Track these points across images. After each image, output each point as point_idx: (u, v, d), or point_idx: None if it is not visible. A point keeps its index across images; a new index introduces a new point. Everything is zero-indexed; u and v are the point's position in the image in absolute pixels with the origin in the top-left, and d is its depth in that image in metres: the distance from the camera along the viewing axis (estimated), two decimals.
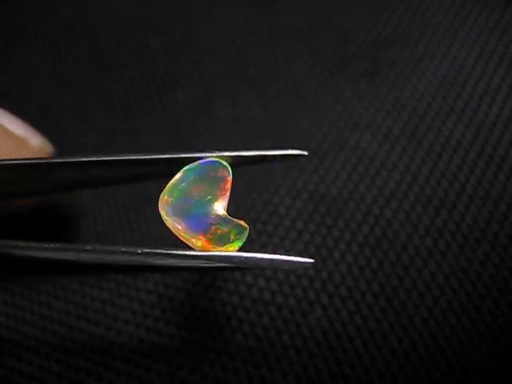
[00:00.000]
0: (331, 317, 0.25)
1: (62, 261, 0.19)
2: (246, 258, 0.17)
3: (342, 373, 0.23)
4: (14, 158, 0.21)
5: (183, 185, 0.19)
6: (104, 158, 0.21)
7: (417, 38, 0.34)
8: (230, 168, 0.20)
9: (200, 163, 0.20)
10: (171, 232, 0.19)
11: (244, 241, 0.19)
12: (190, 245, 0.19)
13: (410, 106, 0.30)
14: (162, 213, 0.19)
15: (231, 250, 0.19)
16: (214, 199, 0.19)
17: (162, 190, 0.19)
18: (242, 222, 0.19)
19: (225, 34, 0.38)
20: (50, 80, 0.38)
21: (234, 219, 0.19)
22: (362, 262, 0.26)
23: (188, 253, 0.17)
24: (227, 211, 0.19)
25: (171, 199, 0.19)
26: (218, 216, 0.19)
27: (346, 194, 0.28)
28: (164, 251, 0.17)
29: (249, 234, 0.27)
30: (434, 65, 0.32)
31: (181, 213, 0.19)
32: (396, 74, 0.32)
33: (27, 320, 0.27)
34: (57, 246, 0.18)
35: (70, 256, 0.18)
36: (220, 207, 0.19)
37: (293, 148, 0.21)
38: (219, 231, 0.18)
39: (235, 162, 0.20)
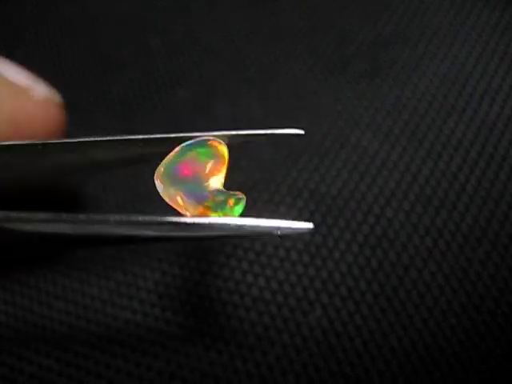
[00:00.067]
0: (331, 316, 0.25)
1: (55, 235, 0.18)
2: (244, 223, 0.17)
3: (341, 372, 0.23)
4: (12, 119, 0.21)
5: (179, 159, 0.19)
6: (101, 138, 0.20)
7: (417, 38, 0.34)
8: (226, 147, 0.20)
9: (197, 140, 0.20)
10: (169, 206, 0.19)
11: (243, 209, 0.19)
12: (187, 213, 0.19)
13: (410, 105, 0.30)
14: (157, 182, 0.19)
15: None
16: (210, 175, 0.19)
17: None
18: (239, 192, 0.19)
19: (225, 34, 0.38)
20: (49, 80, 0.38)
21: (230, 191, 0.19)
22: (362, 262, 0.26)
23: (183, 220, 0.17)
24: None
25: (168, 170, 0.19)
26: (214, 188, 0.19)
27: (347, 193, 0.28)
28: (162, 219, 0.17)
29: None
30: (434, 64, 0.32)
31: (177, 182, 0.19)
32: (396, 73, 0.32)
33: (27, 319, 0.27)
34: (49, 216, 0.17)
35: (63, 229, 0.18)
36: (216, 182, 0.19)
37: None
38: (216, 199, 0.19)
39: (233, 142, 0.20)
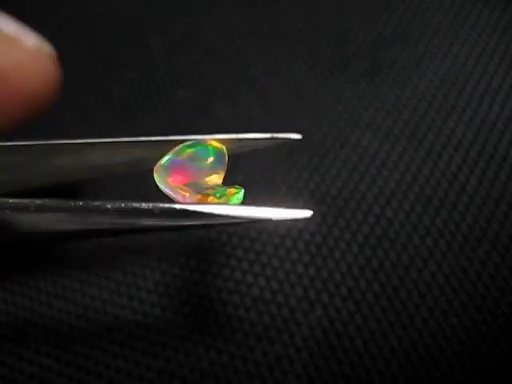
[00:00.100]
0: (332, 316, 0.25)
1: (54, 231, 0.18)
2: (243, 211, 0.17)
3: (342, 372, 0.23)
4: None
5: (179, 155, 0.19)
6: (100, 140, 0.20)
7: (417, 38, 0.34)
8: (226, 153, 0.20)
9: (197, 142, 0.20)
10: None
11: (242, 198, 0.19)
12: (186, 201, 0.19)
13: (410, 105, 0.30)
14: (156, 175, 0.19)
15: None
16: (210, 171, 0.19)
17: None
18: (238, 186, 0.19)
19: (225, 34, 0.38)
20: None
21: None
22: (362, 262, 0.26)
23: (178, 206, 0.17)
24: None
25: (167, 163, 0.19)
26: (213, 183, 0.19)
27: (347, 193, 0.28)
28: (162, 205, 0.17)
29: (249, 233, 0.27)
30: (434, 64, 0.32)
31: (175, 171, 0.19)
32: (396, 73, 0.32)
33: (27, 319, 0.27)
34: (46, 202, 0.17)
35: (61, 220, 0.18)
36: (215, 179, 0.19)
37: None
38: (215, 189, 0.19)
39: (232, 146, 0.20)
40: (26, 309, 0.27)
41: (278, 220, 0.17)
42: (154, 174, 0.19)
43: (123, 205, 0.17)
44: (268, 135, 0.21)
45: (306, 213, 0.17)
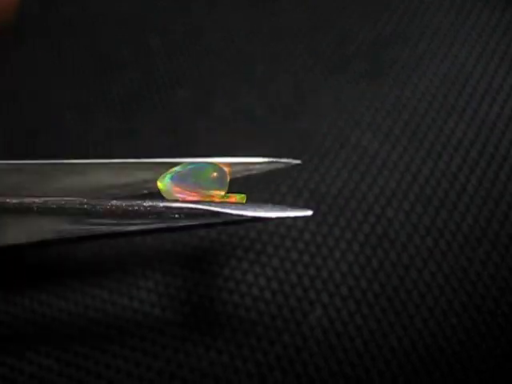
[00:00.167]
0: (332, 316, 0.25)
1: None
2: (243, 209, 0.17)
3: (342, 372, 0.23)
4: None
5: (183, 169, 0.19)
6: (104, 161, 0.20)
7: (417, 38, 0.34)
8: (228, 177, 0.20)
9: (200, 161, 0.20)
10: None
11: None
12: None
13: (410, 105, 0.30)
14: (159, 183, 0.19)
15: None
16: (213, 184, 0.19)
17: None
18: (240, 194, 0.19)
19: (225, 34, 0.38)
20: (49, 80, 0.38)
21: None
22: (362, 262, 0.26)
23: (180, 205, 0.17)
24: None
25: (170, 175, 0.19)
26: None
27: (347, 192, 0.28)
28: (166, 204, 0.17)
29: (249, 233, 0.27)
30: (434, 64, 0.32)
31: (179, 184, 0.19)
32: (397, 73, 0.32)
33: (27, 318, 0.27)
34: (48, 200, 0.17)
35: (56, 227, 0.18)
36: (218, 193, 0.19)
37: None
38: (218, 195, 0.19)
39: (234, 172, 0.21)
40: (26, 308, 0.27)
41: (279, 218, 0.17)
42: (157, 183, 0.19)
43: (124, 204, 0.17)
44: (266, 160, 0.21)
45: (306, 212, 0.17)
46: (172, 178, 0.19)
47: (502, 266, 0.25)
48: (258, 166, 0.21)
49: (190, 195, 0.19)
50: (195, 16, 0.40)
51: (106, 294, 0.27)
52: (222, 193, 0.19)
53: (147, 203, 0.17)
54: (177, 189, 0.19)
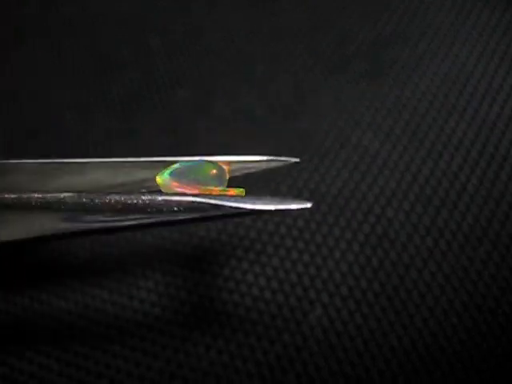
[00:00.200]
0: (332, 316, 0.25)
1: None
2: (243, 202, 0.17)
3: (342, 371, 0.23)
4: None
5: (182, 168, 0.19)
6: (102, 160, 0.20)
7: (417, 38, 0.34)
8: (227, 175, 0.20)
9: (199, 159, 0.20)
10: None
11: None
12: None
13: (411, 104, 0.30)
14: (157, 178, 0.19)
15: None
16: (212, 179, 0.19)
17: None
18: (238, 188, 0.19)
19: (225, 34, 0.38)
20: (49, 80, 0.38)
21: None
22: (362, 261, 0.26)
23: (184, 198, 0.17)
24: None
25: (169, 170, 0.19)
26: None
27: (347, 192, 0.28)
28: (164, 197, 0.17)
29: (249, 233, 0.27)
30: (435, 64, 0.32)
31: (178, 180, 0.19)
32: (397, 73, 0.32)
33: (27, 318, 0.27)
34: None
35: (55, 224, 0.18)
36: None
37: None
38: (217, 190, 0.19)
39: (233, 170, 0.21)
40: (26, 308, 0.27)
41: (278, 211, 0.17)
42: (157, 178, 0.19)
43: (123, 198, 0.17)
44: (265, 158, 0.21)
45: (306, 204, 0.17)
46: (171, 174, 0.19)
47: (502, 266, 0.25)
48: (256, 165, 0.21)
49: (189, 190, 0.19)
50: (195, 16, 0.40)
51: (106, 294, 0.27)
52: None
53: (146, 197, 0.17)
54: (175, 184, 0.19)
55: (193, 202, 0.17)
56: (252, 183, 0.28)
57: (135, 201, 0.17)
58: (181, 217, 0.17)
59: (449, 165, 0.28)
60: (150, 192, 0.17)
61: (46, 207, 0.17)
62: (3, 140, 0.34)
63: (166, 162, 0.20)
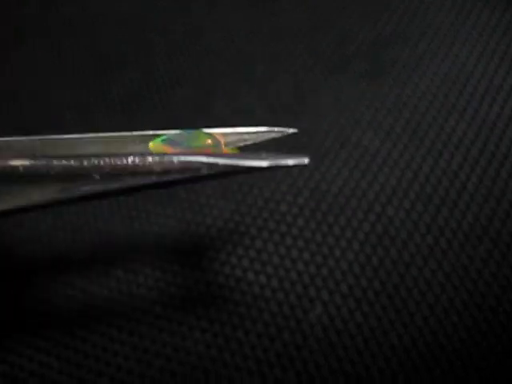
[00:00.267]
0: (332, 314, 0.25)
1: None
2: (236, 159, 0.17)
3: (342, 370, 0.23)
4: None
5: (176, 136, 0.19)
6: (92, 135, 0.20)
7: (417, 38, 0.34)
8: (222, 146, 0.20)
9: (193, 130, 0.20)
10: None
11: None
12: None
13: (411, 103, 0.31)
14: (150, 143, 0.19)
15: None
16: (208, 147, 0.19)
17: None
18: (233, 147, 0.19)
19: (225, 34, 0.38)
20: (49, 80, 0.38)
21: None
22: (363, 260, 0.26)
23: (183, 158, 0.17)
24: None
25: (162, 137, 0.19)
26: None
27: (348, 191, 0.28)
28: (155, 157, 0.17)
29: (249, 231, 0.27)
30: (435, 63, 0.32)
31: (172, 146, 0.19)
32: (397, 72, 0.32)
33: (28, 316, 0.27)
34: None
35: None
36: None
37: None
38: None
39: (230, 142, 0.20)
40: (26, 307, 0.27)
41: (272, 167, 0.17)
42: (150, 144, 0.19)
43: (112, 160, 0.17)
44: (264, 128, 0.21)
45: (303, 160, 0.17)
46: (164, 141, 0.19)
47: (503, 264, 0.25)
48: (254, 136, 0.21)
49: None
50: (195, 16, 0.40)
51: (106, 292, 0.27)
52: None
53: (136, 158, 0.17)
54: (169, 149, 0.19)
55: (185, 161, 0.17)
56: (253, 183, 0.28)
57: (125, 161, 0.17)
58: (172, 178, 0.17)
59: (449, 163, 0.28)
60: (141, 153, 0.17)
61: (35, 175, 0.17)
62: None
63: (158, 135, 0.20)
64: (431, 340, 0.23)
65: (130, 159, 0.17)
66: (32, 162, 0.17)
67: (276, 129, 0.21)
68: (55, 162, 0.17)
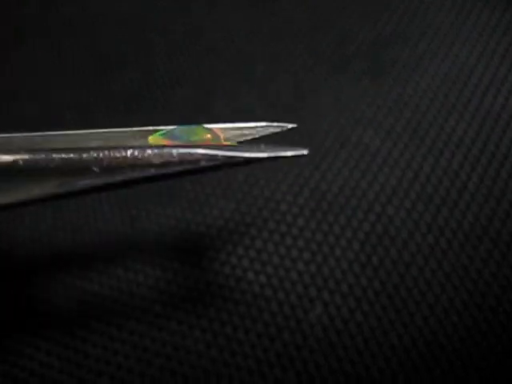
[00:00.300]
0: (332, 313, 0.25)
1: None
2: (236, 151, 0.17)
3: (342, 370, 0.23)
4: None
5: (175, 130, 0.19)
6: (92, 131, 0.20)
7: (417, 38, 0.34)
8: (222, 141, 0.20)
9: (190, 125, 0.20)
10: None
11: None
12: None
13: (412, 103, 0.31)
14: (150, 137, 0.19)
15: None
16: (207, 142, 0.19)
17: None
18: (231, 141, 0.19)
19: (225, 34, 0.38)
20: (50, 80, 0.38)
21: None
22: (363, 259, 0.26)
23: (182, 151, 0.17)
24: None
25: (161, 132, 0.19)
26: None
27: (348, 190, 0.28)
28: (155, 150, 0.17)
29: (250, 231, 0.27)
30: (435, 62, 0.32)
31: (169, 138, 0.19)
32: (397, 72, 0.32)
33: (28, 316, 0.27)
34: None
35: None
36: None
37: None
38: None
39: (231, 137, 0.20)
40: (26, 307, 0.27)
41: (271, 158, 0.17)
42: (149, 138, 0.19)
43: (111, 153, 0.17)
44: (263, 123, 0.21)
45: (302, 151, 0.17)
46: (163, 135, 0.19)
47: (503, 264, 0.25)
48: (253, 131, 0.21)
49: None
50: (195, 16, 0.40)
51: (107, 291, 0.27)
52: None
53: (135, 151, 0.17)
54: (168, 143, 0.19)
55: (184, 153, 0.17)
56: (253, 182, 0.28)
57: (124, 154, 0.17)
58: (171, 170, 0.17)
59: (450, 163, 0.28)
60: (140, 146, 0.17)
61: (34, 168, 0.17)
62: None
63: (157, 130, 0.20)
64: (431, 340, 0.23)
65: (130, 152, 0.17)
66: (31, 155, 0.17)
67: (275, 124, 0.21)
68: (54, 155, 0.17)
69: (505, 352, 0.23)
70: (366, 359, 0.23)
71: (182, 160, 0.17)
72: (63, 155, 0.17)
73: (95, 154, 0.17)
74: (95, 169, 0.17)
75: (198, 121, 0.32)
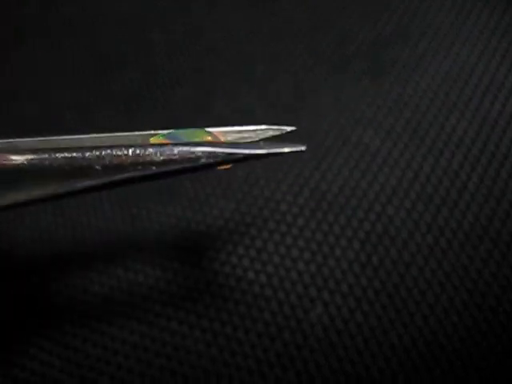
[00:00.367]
0: (332, 313, 0.25)
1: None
2: (235, 147, 0.17)
3: (342, 369, 0.23)
4: None
5: (176, 133, 0.19)
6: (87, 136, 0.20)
7: (417, 38, 0.34)
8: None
9: (191, 128, 0.20)
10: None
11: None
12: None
13: (412, 102, 0.31)
14: (151, 139, 0.19)
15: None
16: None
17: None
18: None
19: (225, 34, 0.38)
20: (50, 80, 0.38)
21: None
22: (363, 259, 0.26)
23: (183, 149, 0.17)
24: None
25: (163, 133, 0.19)
26: None
27: (348, 190, 0.28)
28: (156, 148, 0.17)
29: (250, 230, 0.27)
30: (436, 62, 0.32)
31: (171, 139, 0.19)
32: (398, 72, 0.32)
33: (28, 316, 0.27)
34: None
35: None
36: None
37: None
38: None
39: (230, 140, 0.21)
40: (26, 307, 0.27)
41: (270, 154, 0.17)
42: (151, 139, 0.19)
43: (114, 152, 0.17)
44: (263, 126, 0.21)
45: (300, 147, 0.17)
46: (164, 136, 0.19)
47: (503, 264, 0.25)
48: (253, 134, 0.21)
49: None
50: (195, 16, 0.40)
51: (107, 291, 0.27)
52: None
53: (137, 149, 0.17)
54: (169, 143, 0.19)
55: (184, 151, 0.17)
56: (253, 182, 0.28)
57: (126, 152, 0.17)
58: (172, 168, 0.17)
59: (450, 162, 0.28)
60: (141, 145, 0.17)
61: (38, 169, 0.17)
62: None
63: (158, 134, 0.20)
64: (431, 340, 0.23)
65: (131, 150, 0.17)
66: (35, 155, 0.17)
67: (275, 127, 0.21)
68: (58, 155, 0.17)
69: (505, 352, 0.23)
70: (366, 359, 0.23)
71: (183, 157, 0.17)
72: (66, 154, 0.17)
73: (97, 153, 0.17)
74: (98, 167, 0.17)
75: (198, 120, 0.32)
